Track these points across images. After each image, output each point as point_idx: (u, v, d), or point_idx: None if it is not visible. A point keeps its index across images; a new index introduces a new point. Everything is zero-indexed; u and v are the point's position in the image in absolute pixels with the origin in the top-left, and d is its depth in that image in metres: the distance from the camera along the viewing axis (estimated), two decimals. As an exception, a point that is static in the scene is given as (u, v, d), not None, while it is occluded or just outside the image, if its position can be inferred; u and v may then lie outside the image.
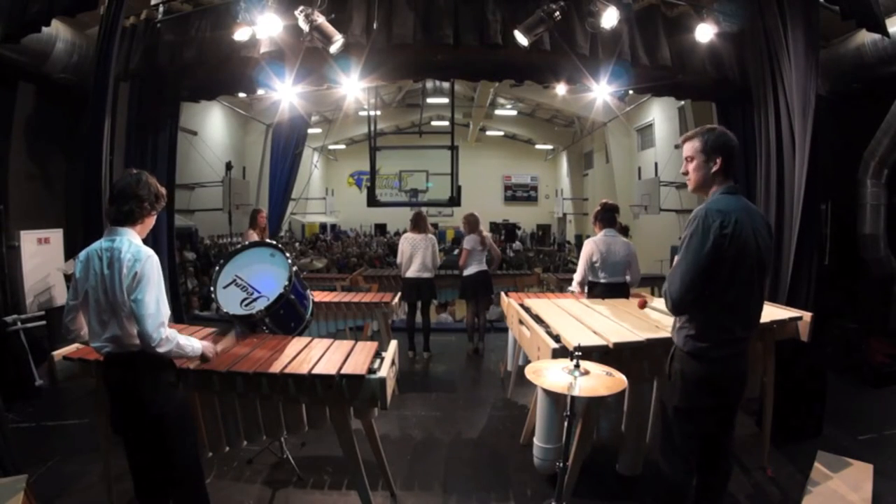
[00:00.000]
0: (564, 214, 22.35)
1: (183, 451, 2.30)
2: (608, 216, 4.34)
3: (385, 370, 2.58)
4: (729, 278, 2.05)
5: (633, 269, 4.36)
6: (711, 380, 2.14)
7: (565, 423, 2.35)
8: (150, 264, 2.14)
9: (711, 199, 2.16)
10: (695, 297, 2.08)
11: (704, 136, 2.20)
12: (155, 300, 2.11)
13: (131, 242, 2.17)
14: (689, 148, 2.24)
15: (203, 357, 2.41)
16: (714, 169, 2.18)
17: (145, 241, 2.29)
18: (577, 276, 4.38)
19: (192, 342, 2.30)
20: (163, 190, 2.34)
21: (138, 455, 2.30)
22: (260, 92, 6.12)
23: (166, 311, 2.17)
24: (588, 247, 4.28)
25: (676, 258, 2.16)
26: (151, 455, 2.27)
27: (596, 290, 4.24)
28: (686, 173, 2.28)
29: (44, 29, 3.98)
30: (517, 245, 20.08)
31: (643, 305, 3.62)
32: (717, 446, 2.23)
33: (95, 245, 2.19)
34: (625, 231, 7.44)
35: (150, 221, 2.34)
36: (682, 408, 2.20)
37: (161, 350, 2.12)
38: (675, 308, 2.16)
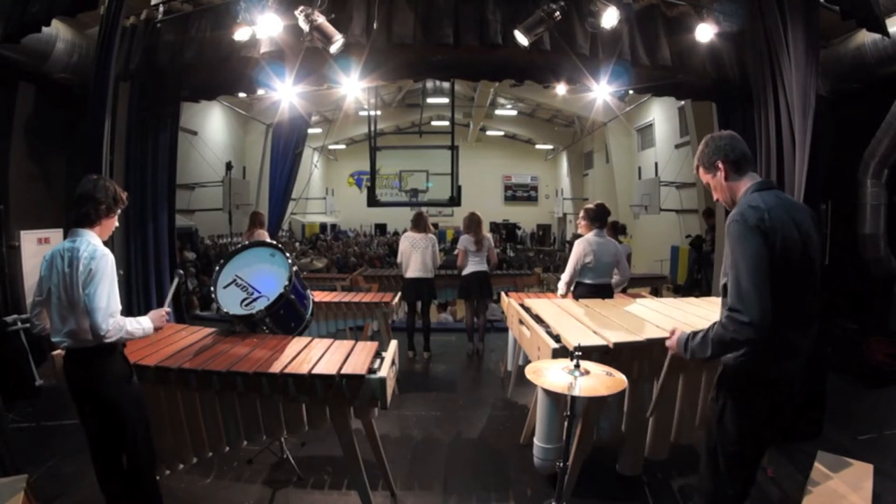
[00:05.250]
0: (564, 214, 22.37)
1: (136, 442, 2.41)
2: (601, 217, 4.30)
3: (385, 370, 2.58)
4: (780, 278, 1.82)
5: (622, 268, 4.34)
6: (768, 407, 1.92)
7: (565, 423, 2.35)
8: (105, 262, 2.28)
9: (741, 201, 1.97)
10: (771, 303, 1.78)
11: (698, 159, 2.13)
12: (106, 295, 2.24)
13: (90, 243, 2.32)
14: (701, 176, 2.14)
15: (157, 329, 2.53)
16: (722, 176, 2.04)
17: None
18: (565, 276, 4.28)
19: (141, 323, 2.42)
20: (122, 193, 2.50)
21: (98, 446, 2.42)
22: (260, 92, 6.12)
23: (116, 306, 2.30)
24: (581, 246, 4.20)
25: (729, 285, 1.88)
26: (109, 446, 2.41)
27: (580, 291, 4.19)
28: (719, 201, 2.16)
29: (44, 29, 3.98)
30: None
31: None
32: (757, 466, 2.09)
33: (59, 246, 2.34)
34: (623, 230, 7.44)
35: (110, 223, 2.49)
36: (732, 447, 1.97)
37: (110, 339, 2.25)
38: (761, 325, 1.77)
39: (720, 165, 2.04)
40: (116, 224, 2.54)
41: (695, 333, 1.99)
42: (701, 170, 2.13)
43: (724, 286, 1.95)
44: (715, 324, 1.91)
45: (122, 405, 2.36)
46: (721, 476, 2.02)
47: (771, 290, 1.80)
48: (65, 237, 5.41)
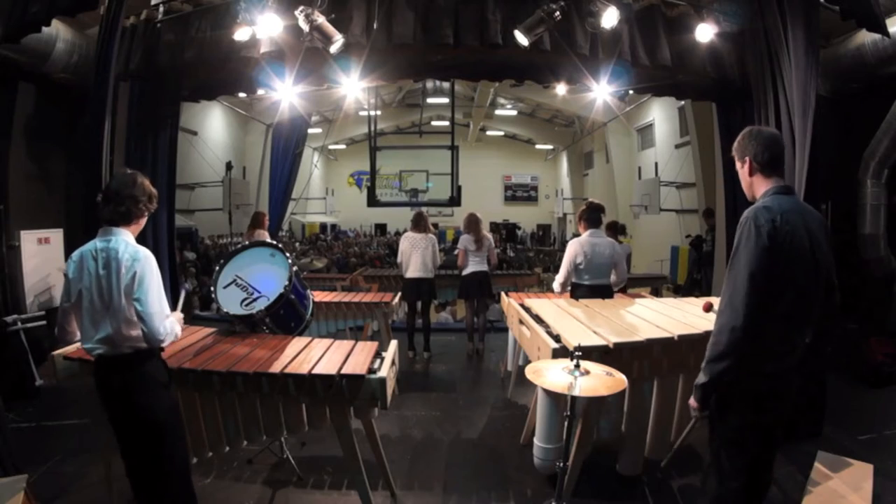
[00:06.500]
0: (565, 214, 22.38)
1: (174, 452, 2.32)
2: (594, 216, 4.24)
3: (385, 370, 2.58)
4: (784, 281, 1.88)
5: (620, 269, 4.29)
6: (767, 397, 1.96)
7: (565, 423, 2.35)
8: (149, 263, 2.16)
9: (759, 200, 2.04)
10: (762, 305, 1.85)
11: (735, 145, 2.17)
12: (157, 298, 2.14)
13: (127, 243, 2.18)
14: (735, 160, 2.21)
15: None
16: (747, 171, 2.11)
17: (144, 241, 2.29)
18: (559, 278, 4.25)
19: (178, 326, 2.34)
20: (154, 191, 2.37)
21: (132, 455, 2.32)
22: (260, 92, 6.12)
23: (167, 308, 2.22)
24: (572, 248, 4.17)
25: (725, 281, 1.95)
26: (143, 455, 2.30)
27: (579, 292, 4.16)
28: None
29: (44, 29, 3.98)
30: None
31: (708, 309, 3.41)
32: (766, 463, 2.10)
33: (89, 245, 2.19)
34: (622, 230, 7.42)
35: (143, 222, 2.36)
36: (732, 438, 2.03)
37: (166, 343, 2.19)
38: (747, 328, 1.84)
39: (747, 160, 2.10)
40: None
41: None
42: (735, 155, 2.19)
43: None
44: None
45: (161, 413, 2.24)
46: (724, 471, 2.05)
47: (773, 294, 1.87)
48: (66, 237, 5.49)
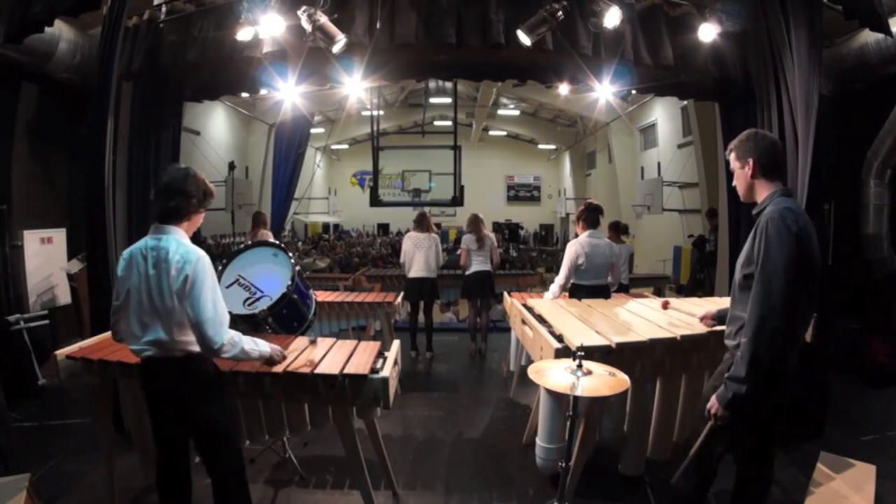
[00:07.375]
0: (567, 214, 22.32)
1: (228, 457, 2.26)
2: (592, 217, 4.24)
3: (388, 370, 2.58)
4: (806, 280, 1.92)
5: (616, 270, 4.32)
6: (776, 397, 1.99)
7: (568, 423, 2.34)
8: (202, 265, 2.02)
9: (775, 201, 2.03)
10: (801, 304, 1.89)
11: (735, 145, 2.17)
12: (212, 302, 2.02)
13: (179, 242, 2.06)
14: (731, 161, 2.20)
15: (270, 360, 2.37)
16: (749, 173, 2.11)
17: None
18: (559, 279, 4.21)
19: (258, 345, 2.25)
20: (212, 187, 2.25)
21: (171, 459, 2.26)
22: (263, 92, 6.13)
23: (224, 313, 2.08)
24: (573, 248, 4.16)
25: (757, 282, 1.93)
26: (182, 461, 2.25)
27: (579, 293, 4.16)
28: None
29: (47, 29, 3.98)
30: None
31: (666, 306, 3.50)
32: (768, 462, 2.12)
33: (140, 243, 2.09)
34: (625, 230, 7.41)
35: (198, 219, 2.23)
36: (737, 438, 2.05)
37: (226, 355, 2.06)
38: (789, 330, 1.88)
39: (750, 163, 2.11)
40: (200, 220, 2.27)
41: (725, 383, 1.98)
42: (733, 155, 2.19)
43: (745, 276, 2.02)
44: (736, 354, 1.98)
45: (216, 419, 2.16)
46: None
47: (799, 293, 1.90)
48: (68, 237, 5.50)
